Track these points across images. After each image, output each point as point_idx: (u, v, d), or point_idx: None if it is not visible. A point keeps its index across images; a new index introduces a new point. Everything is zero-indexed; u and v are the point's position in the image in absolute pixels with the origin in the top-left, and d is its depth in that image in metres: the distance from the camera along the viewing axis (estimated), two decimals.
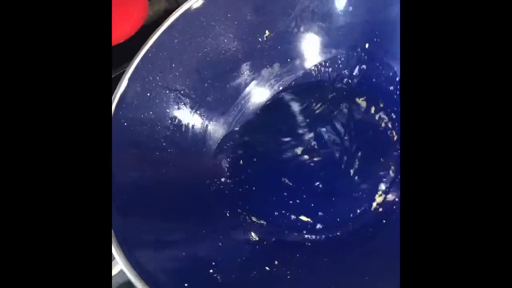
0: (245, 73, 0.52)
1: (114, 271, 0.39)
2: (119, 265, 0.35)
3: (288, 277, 0.39)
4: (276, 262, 0.40)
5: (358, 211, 0.43)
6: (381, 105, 0.48)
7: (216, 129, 0.51)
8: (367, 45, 0.49)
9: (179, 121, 0.49)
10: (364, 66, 0.49)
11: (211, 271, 0.39)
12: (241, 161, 0.50)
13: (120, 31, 0.53)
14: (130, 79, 0.44)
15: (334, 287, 0.36)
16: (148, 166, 0.45)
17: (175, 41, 0.49)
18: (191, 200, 0.45)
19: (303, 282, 0.38)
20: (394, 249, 0.37)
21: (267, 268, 0.40)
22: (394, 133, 0.46)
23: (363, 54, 0.49)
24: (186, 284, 0.37)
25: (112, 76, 0.56)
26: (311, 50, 0.51)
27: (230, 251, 0.42)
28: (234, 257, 0.41)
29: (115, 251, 0.36)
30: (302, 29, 0.51)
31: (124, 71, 0.45)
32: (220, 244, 0.42)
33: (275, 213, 0.45)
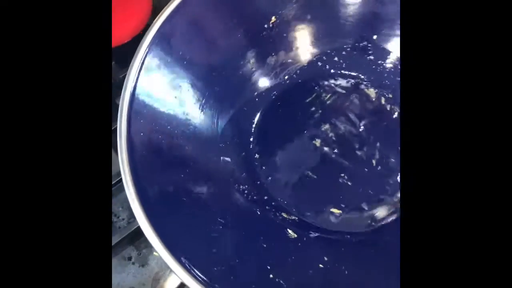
0: (251, 61, 0.50)
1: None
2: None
3: (346, 272, 0.39)
4: (325, 258, 0.40)
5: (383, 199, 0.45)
6: (390, 96, 0.49)
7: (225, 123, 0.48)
8: (374, 37, 0.50)
9: (192, 116, 0.45)
10: (371, 57, 0.50)
11: (271, 276, 0.37)
12: (256, 155, 0.48)
13: (124, 31, 0.47)
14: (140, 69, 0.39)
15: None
16: (170, 170, 0.41)
17: (179, 28, 0.44)
18: (219, 203, 0.42)
19: (361, 276, 0.39)
20: None
21: (321, 265, 0.39)
22: None
23: (370, 45, 0.50)
24: None
25: (121, 76, 0.50)
26: (317, 38, 0.51)
27: (277, 251, 0.40)
28: (283, 257, 0.40)
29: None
30: (309, 16, 0.50)
31: None
32: (264, 245, 0.41)
33: (305, 208, 0.45)
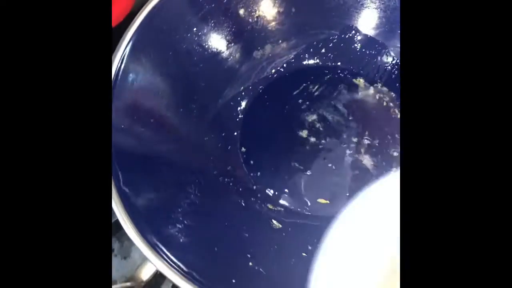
0: (236, 55, 0.50)
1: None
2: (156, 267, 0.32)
3: None
4: (309, 247, 0.39)
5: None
6: (379, 86, 0.48)
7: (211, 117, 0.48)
8: (360, 26, 0.49)
9: (175, 111, 0.45)
10: (358, 47, 0.50)
11: (250, 264, 0.36)
12: (243, 148, 0.47)
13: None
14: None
15: None
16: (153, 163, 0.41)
17: (162, 23, 0.45)
18: (203, 195, 0.42)
19: None
20: None
21: (304, 254, 0.38)
22: (396, 111, 0.47)
23: (356, 35, 0.50)
24: (234, 280, 0.34)
25: None
26: (303, 31, 0.50)
27: (260, 240, 0.40)
28: (266, 246, 0.39)
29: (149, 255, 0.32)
30: (293, 9, 0.50)
31: None
32: (246, 235, 0.40)
33: (291, 199, 0.44)
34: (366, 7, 0.49)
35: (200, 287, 0.33)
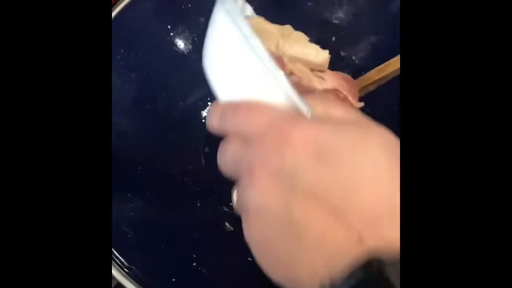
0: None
1: None
2: None
3: None
4: None
5: None
6: None
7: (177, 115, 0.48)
8: (331, 38, 0.50)
9: (140, 106, 0.45)
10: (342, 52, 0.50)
11: (194, 264, 0.37)
12: (206, 149, 0.48)
13: None
14: None
15: None
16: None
17: (135, 18, 0.45)
18: (164, 192, 0.43)
19: None
20: None
21: (249, 259, 0.39)
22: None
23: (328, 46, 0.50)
24: (173, 279, 0.35)
25: None
26: None
27: (209, 242, 0.40)
28: (213, 248, 0.40)
29: None
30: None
31: None
32: (196, 235, 0.41)
33: None
34: (337, 20, 0.49)
35: (139, 283, 0.33)
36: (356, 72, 0.49)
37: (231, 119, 0.25)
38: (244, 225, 0.24)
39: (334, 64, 0.50)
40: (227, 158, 0.25)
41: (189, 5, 0.48)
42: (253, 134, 0.23)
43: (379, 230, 0.20)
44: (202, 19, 0.49)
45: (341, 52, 0.49)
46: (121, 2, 0.45)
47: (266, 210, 0.22)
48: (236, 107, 0.25)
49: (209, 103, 0.49)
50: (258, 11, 0.50)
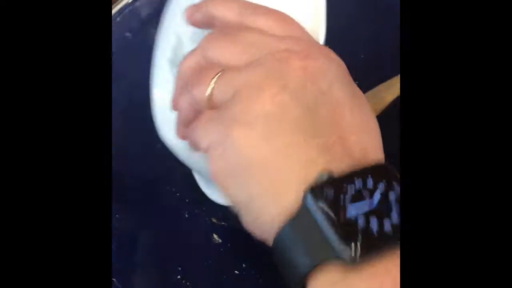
0: None
1: None
2: None
3: (260, 280, 0.37)
4: (244, 265, 0.39)
5: None
6: None
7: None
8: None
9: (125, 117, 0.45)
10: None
11: (178, 277, 0.36)
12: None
13: None
14: None
15: None
16: None
17: (133, 22, 0.45)
18: (150, 200, 0.42)
19: (277, 284, 0.37)
20: None
21: (236, 272, 0.38)
22: None
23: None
24: None
25: None
26: None
27: (194, 254, 0.39)
28: (200, 260, 0.39)
29: None
30: None
31: None
32: (182, 247, 0.40)
33: (237, 215, 0.43)
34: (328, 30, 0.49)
35: None
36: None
37: (256, 17, 0.25)
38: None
39: None
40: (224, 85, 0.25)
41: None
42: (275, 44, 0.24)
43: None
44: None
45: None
46: (114, 6, 0.44)
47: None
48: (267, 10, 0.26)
49: None
50: None
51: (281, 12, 0.26)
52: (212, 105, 0.25)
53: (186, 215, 0.43)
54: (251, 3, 0.26)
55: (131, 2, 0.46)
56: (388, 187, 0.21)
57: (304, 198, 0.21)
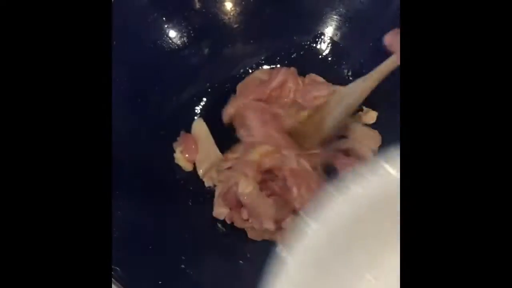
0: (205, 50, 0.49)
1: None
2: None
3: (265, 270, 0.37)
4: (248, 255, 0.38)
5: None
6: None
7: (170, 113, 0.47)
8: (331, 34, 0.48)
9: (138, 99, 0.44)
10: (329, 54, 0.49)
11: (182, 266, 0.35)
12: None
13: None
14: None
15: None
16: None
17: (127, 10, 0.44)
18: (154, 189, 0.41)
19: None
20: None
21: (241, 261, 0.37)
22: None
23: (329, 41, 0.49)
24: (160, 282, 0.33)
25: None
26: (276, 33, 0.49)
27: (198, 243, 0.39)
28: (203, 249, 0.38)
29: None
30: (267, 10, 0.49)
31: None
32: (186, 236, 0.39)
33: None
34: (338, 15, 0.48)
35: (123, 286, 0.32)
36: (355, 67, 0.47)
37: None
38: None
39: (335, 58, 0.48)
40: None
41: None
42: None
43: None
44: (198, 12, 0.47)
45: (341, 45, 0.48)
46: None
47: None
48: None
49: (204, 99, 0.48)
50: (258, 5, 0.48)
51: None
52: None
53: (190, 203, 0.42)
54: None
55: None
56: None
57: None
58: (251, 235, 0.39)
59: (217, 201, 0.40)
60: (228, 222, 0.40)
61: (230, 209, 0.39)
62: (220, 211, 0.39)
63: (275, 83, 0.45)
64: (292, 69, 0.46)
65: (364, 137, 0.43)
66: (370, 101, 0.43)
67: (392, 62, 0.37)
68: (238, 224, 0.39)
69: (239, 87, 0.47)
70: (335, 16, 0.48)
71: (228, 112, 0.45)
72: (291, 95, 0.45)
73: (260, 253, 0.38)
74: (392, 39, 0.34)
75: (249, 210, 0.38)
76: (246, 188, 0.37)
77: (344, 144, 0.43)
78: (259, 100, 0.45)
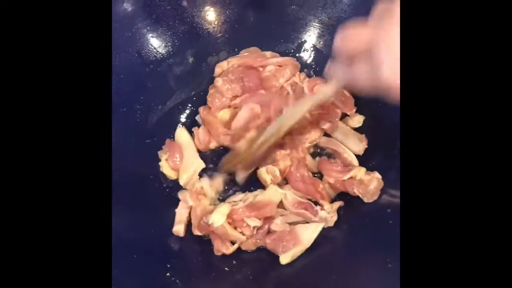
0: (190, 59, 0.49)
1: None
2: None
3: (251, 277, 0.37)
4: (234, 262, 0.38)
5: None
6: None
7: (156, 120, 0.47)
8: (315, 42, 0.49)
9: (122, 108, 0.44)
10: (313, 62, 0.49)
11: (167, 274, 0.35)
12: None
13: None
14: None
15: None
16: None
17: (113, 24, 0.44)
18: (138, 197, 0.41)
19: (268, 279, 0.37)
20: None
21: (226, 268, 0.37)
22: None
23: (312, 49, 0.49)
24: None
25: None
26: (260, 41, 0.50)
27: (184, 251, 0.39)
28: (189, 258, 0.38)
29: None
30: (252, 19, 0.49)
31: None
32: (172, 243, 0.39)
33: None
34: (321, 23, 0.48)
35: None
36: None
37: None
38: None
39: (319, 66, 0.49)
40: None
41: (168, 8, 0.47)
42: None
43: None
44: (182, 21, 0.48)
45: (324, 53, 0.48)
46: None
47: None
48: None
49: (189, 107, 0.48)
50: (241, 14, 0.49)
51: None
52: None
53: (175, 211, 0.42)
54: None
55: None
56: None
57: None
58: (244, 247, 0.39)
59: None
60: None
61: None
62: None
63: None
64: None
65: (350, 140, 0.44)
66: (357, 106, 0.44)
67: (323, 93, 0.36)
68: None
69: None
70: (317, 24, 0.48)
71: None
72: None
73: (246, 260, 0.39)
74: (330, 70, 0.34)
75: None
76: (217, 222, 0.37)
77: (330, 148, 0.44)
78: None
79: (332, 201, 0.41)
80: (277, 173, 0.41)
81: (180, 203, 0.41)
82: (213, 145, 0.45)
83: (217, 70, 0.48)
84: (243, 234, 0.38)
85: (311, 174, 0.42)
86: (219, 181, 0.43)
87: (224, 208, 0.38)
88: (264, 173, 0.42)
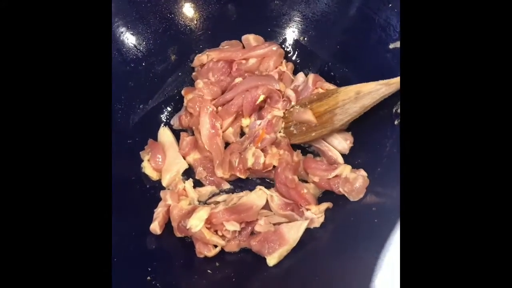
0: (172, 57, 0.48)
1: None
2: None
3: (234, 279, 0.36)
4: (217, 264, 0.37)
5: None
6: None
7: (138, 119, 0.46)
8: (298, 36, 0.48)
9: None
10: (296, 57, 0.48)
11: (148, 278, 0.35)
12: None
13: None
14: None
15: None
16: None
17: None
18: (121, 199, 0.40)
19: (252, 280, 0.36)
20: None
21: (209, 271, 0.37)
22: None
23: (296, 44, 0.48)
24: None
25: None
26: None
27: (165, 254, 0.38)
28: (170, 261, 0.38)
29: None
30: (235, 16, 0.48)
31: None
32: (153, 246, 0.38)
33: None
34: (305, 18, 0.47)
35: None
36: (322, 70, 0.47)
37: None
38: None
39: (303, 61, 0.48)
40: None
41: (149, 4, 0.46)
42: None
43: None
44: (163, 18, 0.47)
45: (309, 48, 0.47)
46: None
47: None
48: None
49: (171, 106, 0.47)
50: (224, 10, 0.48)
51: None
52: None
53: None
54: None
55: None
56: None
57: None
58: (227, 249, 0.38)
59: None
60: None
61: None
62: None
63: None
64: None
65: (335, 139, 0.43)
66: None
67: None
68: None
69: None
70: (301, 20, 0.48)
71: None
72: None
73: (229, 262, 0.38)
74: None
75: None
76: (195, 227, 0.36)
77: (315, 146, 0.43)
78: None
79: (318, 201, 0.40)
80: (261, 160, 0.41)
81: (160, 202, 0.40)
82: (196, 157, 0.44)
83: (196, 62, 0.47)
84: (224, 238, 0.37)
85: (297, 179, 0.41)
86: (207, 189, 0.43)
87: (202, 213, 0.37)
88: (250, 154, 0.41)
